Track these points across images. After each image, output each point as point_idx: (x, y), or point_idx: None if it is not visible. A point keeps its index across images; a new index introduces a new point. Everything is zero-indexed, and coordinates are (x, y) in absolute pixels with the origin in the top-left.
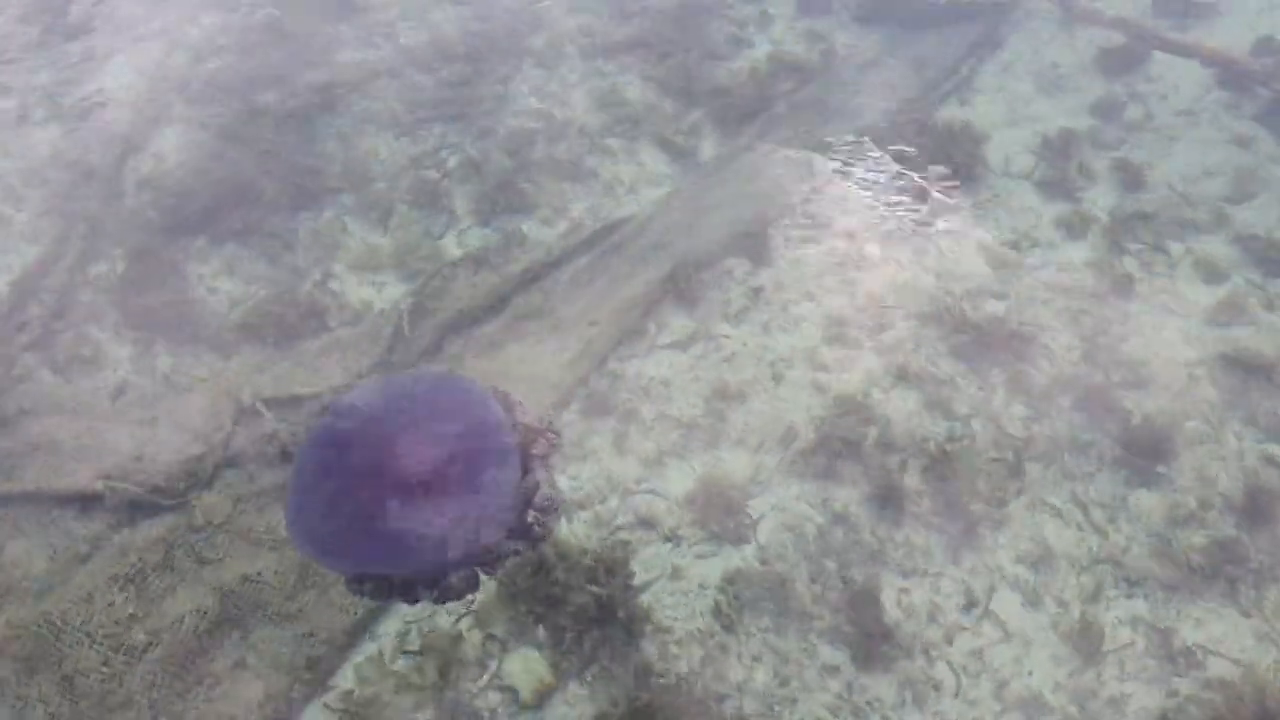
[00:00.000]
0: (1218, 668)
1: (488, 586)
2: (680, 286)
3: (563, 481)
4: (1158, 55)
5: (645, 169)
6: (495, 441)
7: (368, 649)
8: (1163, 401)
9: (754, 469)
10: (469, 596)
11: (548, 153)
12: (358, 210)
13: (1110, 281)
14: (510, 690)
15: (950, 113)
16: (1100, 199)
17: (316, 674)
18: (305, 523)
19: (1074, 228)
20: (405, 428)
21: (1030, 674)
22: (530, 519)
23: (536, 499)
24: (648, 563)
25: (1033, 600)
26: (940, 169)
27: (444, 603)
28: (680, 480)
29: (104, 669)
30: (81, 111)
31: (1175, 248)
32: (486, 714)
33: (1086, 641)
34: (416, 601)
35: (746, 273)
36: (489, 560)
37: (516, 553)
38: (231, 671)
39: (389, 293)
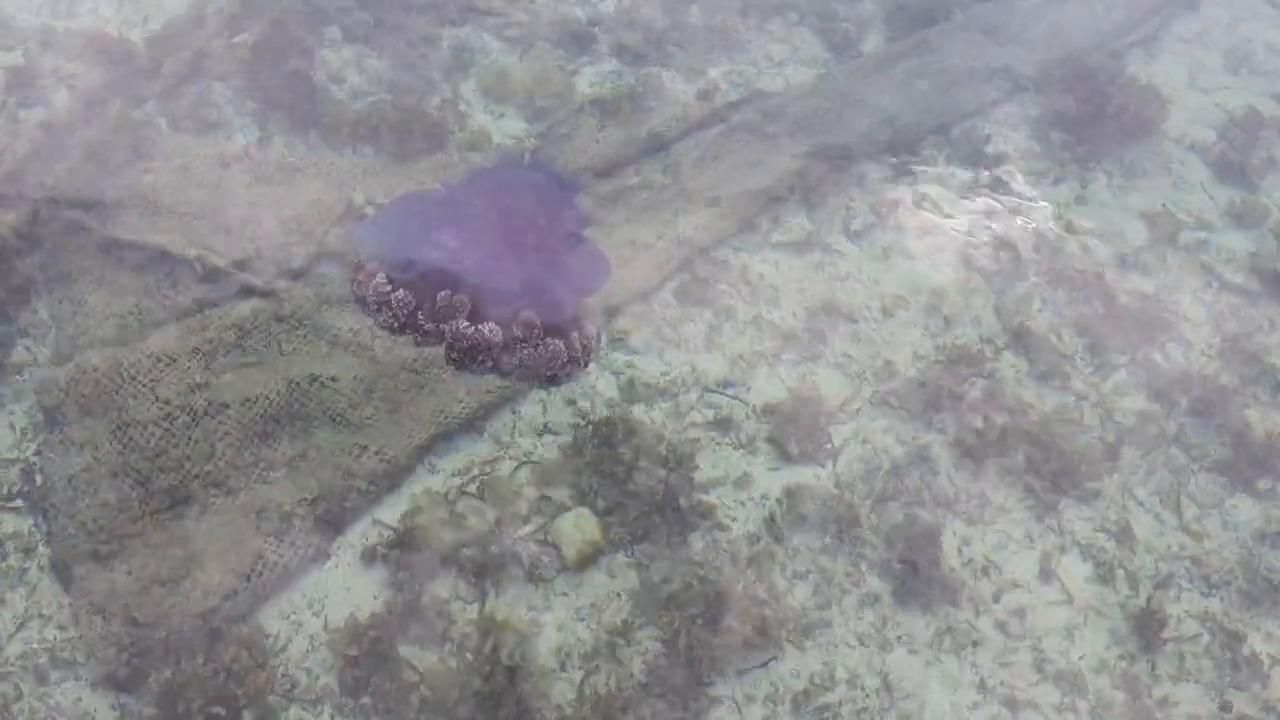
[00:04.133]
0: None
1: (551, 448)
2: (807, 184)
3: (652, 364)
4: None
5: (800, 51)
6: (593, 274)
7: (426, 479)
8: None
9: (844, 396)
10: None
11: (703, 19)
12: (499, 34)
13: (1269, 284)
14: (554, 547)
15: (1129, 68)
16: (1277, 193)
17: (372, 487)
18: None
19: (1243, 217)
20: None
21: (1081, 656)
22: (576, 340)
23: (587, 331)
24: (716, 462)
25: (1101, 578)
26: None
27: (467, 357)
28: (766, 389)
29: (166, 425)
30: None
31: None
32: (528, 563)
33: (1146, 629)
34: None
35: (879, 183)
36: (528, 341)
37: (546, 354)
38: (289, 462)
39: (511, 126)
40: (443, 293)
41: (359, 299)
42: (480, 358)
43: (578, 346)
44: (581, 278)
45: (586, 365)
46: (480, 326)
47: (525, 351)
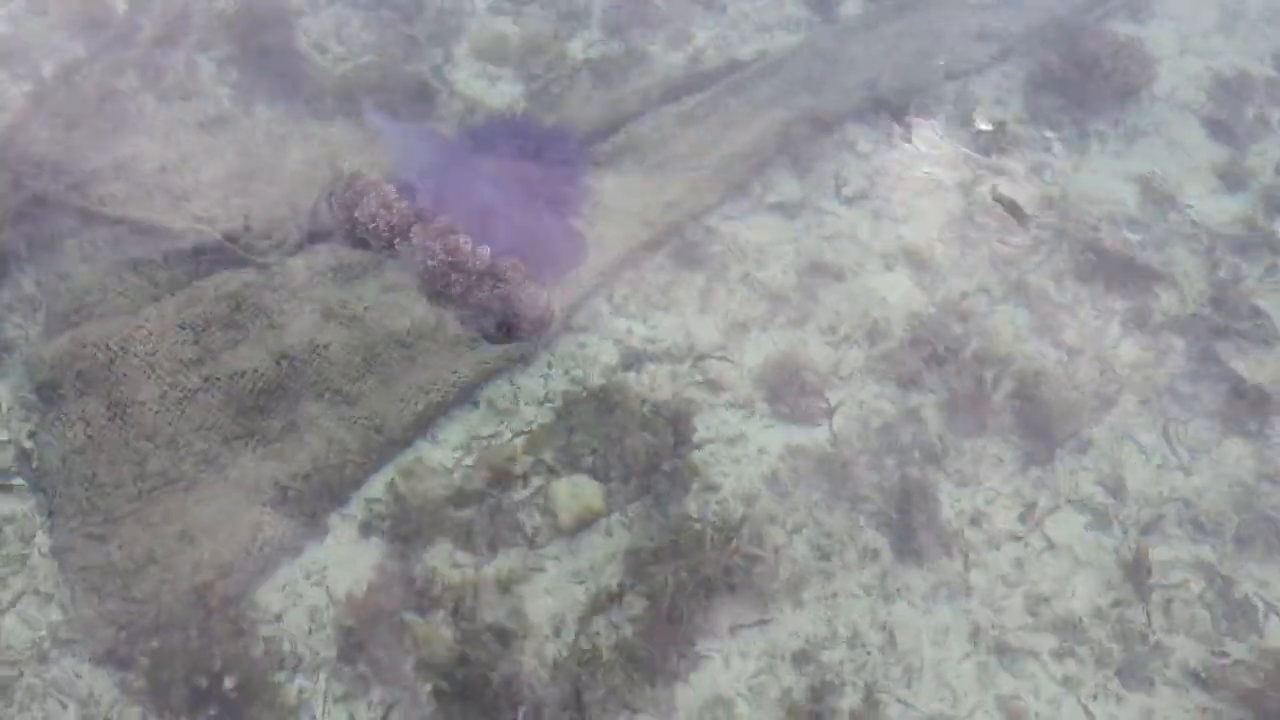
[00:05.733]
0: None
1: (547, 414)
2: (796, 147)
3: (640, 329)
4: None
5: (782, 9)
6: (568, 255)
7: (425, 450)
8: None
9: (837, 357)
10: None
11: None
12: None
13: (1260, 239)
14: (552, 512)
15: (1119, 28)
16: (1268, 152)
17: (370, 459)
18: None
19: (1231, 177)
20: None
21: (1073, 595)
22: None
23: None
24: (710, 423)
25: (1093, 526)
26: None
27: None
28: (759, 352)
29: (160, 402)
30: None
31: None
32: (528, 529)
33: (1138, 577)
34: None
35: (870, 148)
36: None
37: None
38: (282, 435)
39: (503, 89)
40: (442, 217)
41: (349, 204)
42: (455, 278)
43: (554, 308)
44: (558, 254)
45: (544, 331)
46: (477, 247)
47: (501, 288)
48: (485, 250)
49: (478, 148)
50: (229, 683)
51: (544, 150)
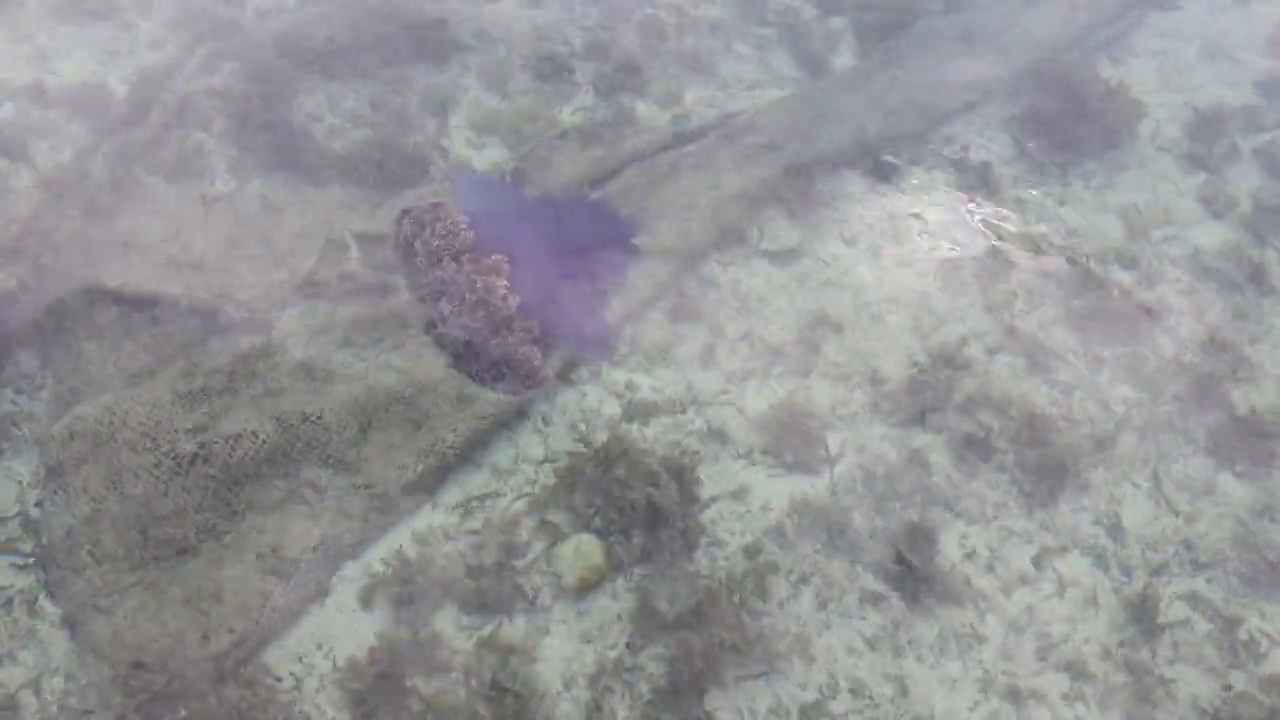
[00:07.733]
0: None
1: (550, 475)
2: (790, 194)
3: (644, 381)
4: None
5: (772, 70)
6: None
7: (427, 515)
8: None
9: (838, 402)
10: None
11: (677, 44)
12: (478, 71)
13: (1247, 272)
14: (556, 574)
15: (1102, 69)
16: (1245, 183)
17: (370, 525)
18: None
19: (1216, 208)
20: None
21: (1085, 640)
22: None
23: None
24: (714, 476)
25: (1098, 567)
26: None
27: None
28: (760, 400)
29: (161, 473)
30: None
31: None
32: (531, 593)
33: (1145, 616)
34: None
35: (863, 191)
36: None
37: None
38: (283, 506)
39: (491, 154)
40: (496, 255)
41: (423, 224)
42: (477, 313)
43: (548, 376)
44: (581, 334)
45: (532, 389)
46: (510, 294)
47: (509, 340)
48: (515, 299)
49: (546, 213)
50: None
51: (600, 234)
